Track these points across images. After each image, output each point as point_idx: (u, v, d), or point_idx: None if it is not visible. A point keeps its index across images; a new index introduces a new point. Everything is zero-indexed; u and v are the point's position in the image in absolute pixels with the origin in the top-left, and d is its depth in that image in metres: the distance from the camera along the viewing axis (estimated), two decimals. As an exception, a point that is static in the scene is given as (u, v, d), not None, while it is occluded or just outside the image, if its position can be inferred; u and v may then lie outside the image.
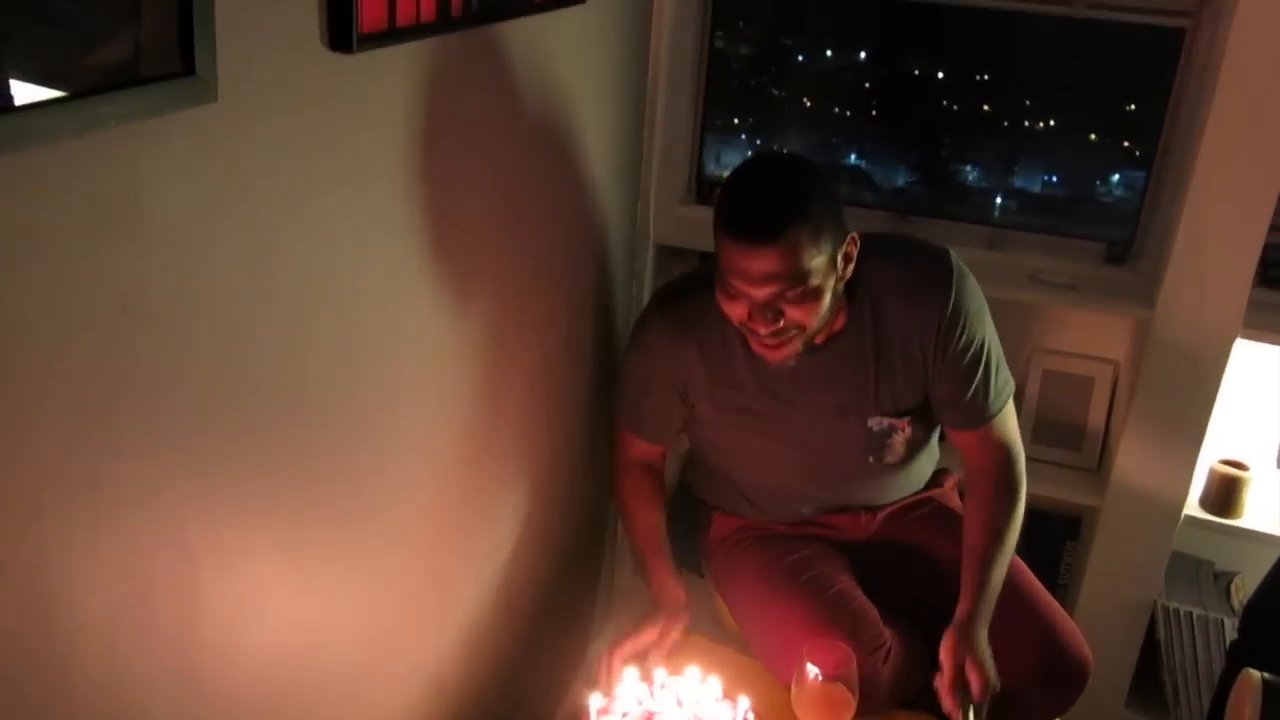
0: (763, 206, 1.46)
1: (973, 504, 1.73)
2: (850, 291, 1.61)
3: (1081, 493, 2.28)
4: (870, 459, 1.74)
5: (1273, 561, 1.91)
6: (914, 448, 1.77)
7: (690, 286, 1.72)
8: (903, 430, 1.71)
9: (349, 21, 1.10)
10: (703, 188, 2.42)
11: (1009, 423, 1.74)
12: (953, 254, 1.67)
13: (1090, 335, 2.31)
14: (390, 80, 1.22)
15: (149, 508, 0.97)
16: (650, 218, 2.24)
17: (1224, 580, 2.34)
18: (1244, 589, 2.31)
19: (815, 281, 1.48)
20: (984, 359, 1.66)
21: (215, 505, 1.06)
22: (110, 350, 0.89)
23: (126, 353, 0.90)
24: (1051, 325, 2.34)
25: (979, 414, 1.69)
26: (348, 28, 1.10)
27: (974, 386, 1.67)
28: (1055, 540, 2.38)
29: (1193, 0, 2.03)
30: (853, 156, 2.50)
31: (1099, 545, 2.25)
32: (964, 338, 1.64)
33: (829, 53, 2.43)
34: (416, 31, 1.23)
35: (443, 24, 1.28)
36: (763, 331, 1.52)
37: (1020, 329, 2.32)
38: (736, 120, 2.48)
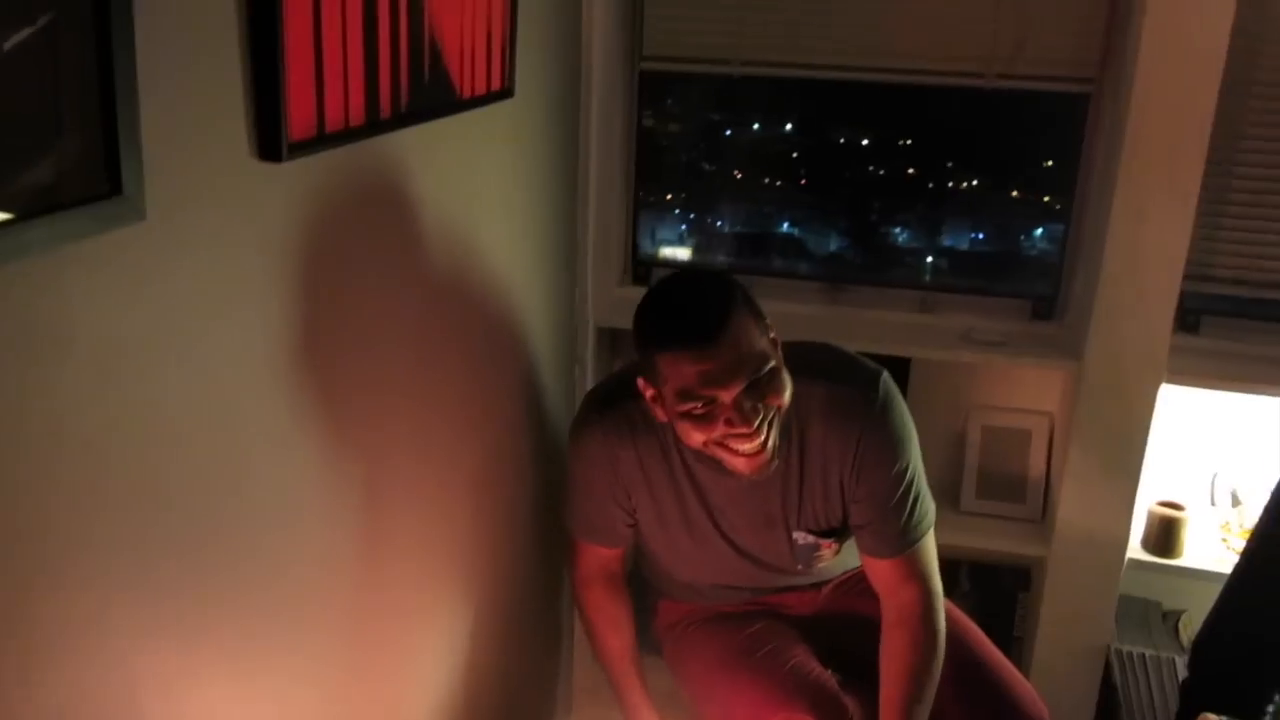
0: (699, 309, 1.46)
1: (889, 653, 1.65)
2: None
3: (1028, 544, 2.32)
4: (800, 566, 1.74)
5: (1214, 597, 1.94)
6: (844, 552, 1.77)
7: (622, 389, 1.67)
8: (827, 548, 1.71)
9: (278, 129, 1.10)
10: (639, 269, 2.46)
11: (927, 555, 1.69)
12: (882, 378, 1.64)
13: (1024, 389, 2.37)
14: (321, 187, 1.23)
15: (86, 640, 0.94)
16: (589, 301, 2.27)
17: (1171, 619, 2.38)
18: (1191, 625, 2.35)
19: (773, 361, 1.48)
20: (903, 487, 1.63)
21: (158, 632, 1.03)
22: (41, 476, 0.87)
23: (58, 479, 0.89)
24: (987, 382, 2.39)
25: (895, 543, 1.65)
26: (277, 136, 1.10)
27: (890, 514, 1.63)
28: (1007, 593, 2.41)
29: (1094, 67, 2.13)
30: (785, 225, 2.57)
31: (1049, 594, 2.28)
32: (883, 466, 1.61)
33: (756, 126, 2.50)
34: (346, 136, 1.25)
35: (372, 126, 1.30)
36: (746, 430, 1.47)
37: (957, 388, 2.38)
38: (669, 196, 2.53)
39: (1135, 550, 2.27)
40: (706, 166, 2.54)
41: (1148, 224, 2.04)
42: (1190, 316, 2.23)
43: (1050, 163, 2.34)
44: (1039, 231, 2.38)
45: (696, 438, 1.50)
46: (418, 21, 1.38)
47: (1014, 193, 2.40)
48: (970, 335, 2.25)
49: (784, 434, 1.56)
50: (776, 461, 1.54)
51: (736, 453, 1.51)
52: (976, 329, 2.27)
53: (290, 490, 1.24)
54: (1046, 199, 2.37)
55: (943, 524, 2.28)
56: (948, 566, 2.29)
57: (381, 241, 1.38)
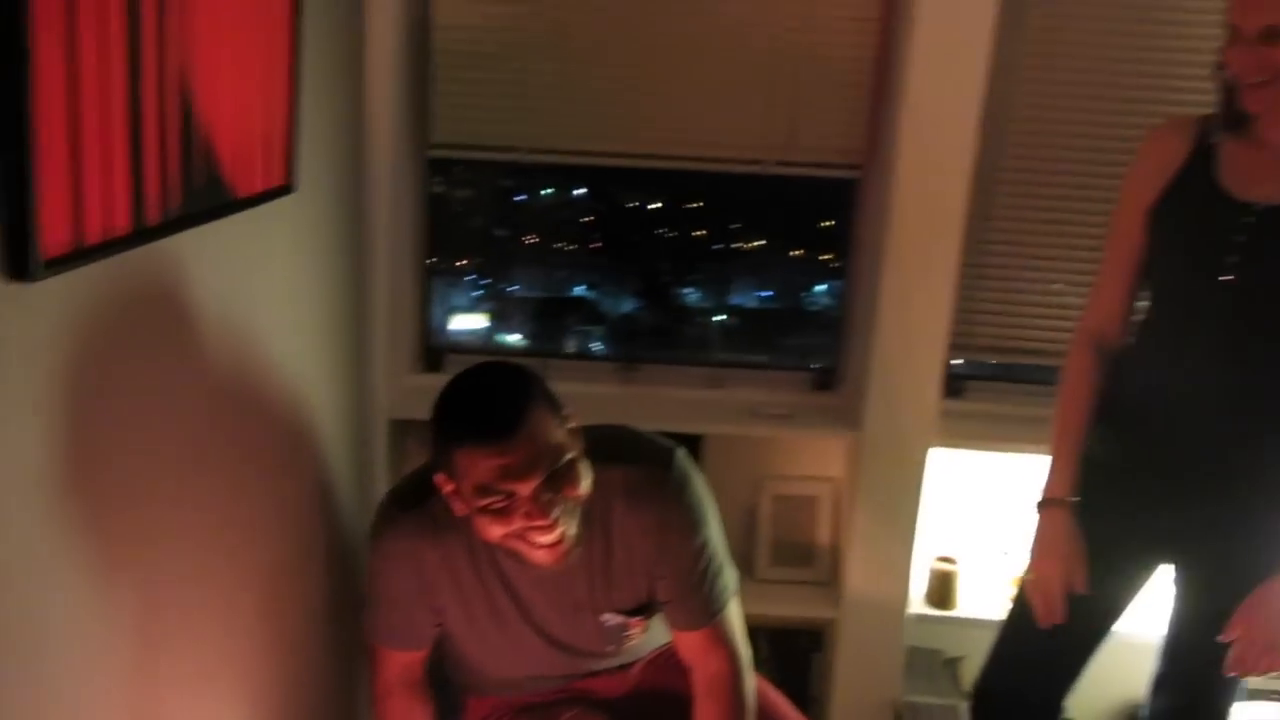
0: (496, 403, 1.46)
1: None
2: None
3: (819, 606, 2.41)
4: (610, 647, 1.75)
5: (989, 643, 2.06)
6: (653, 628, 1.79)
7: (421, 487, 1.63)
8: (636, 627, 1.73)
9: (25, 245, 1.01)
10: (431, 356, 2.43)
11: (733, 623, 1.71)
12: (677, 455, 1.67)
13: (810, 458, 2.48)
14: (83, 303, 1.15)
15: None
16: (380, 392, 2.21)
17: (952, 666, 2.52)
18: (970, 670, 2.49)
19: (570, 453, 1.48)
20: (704, 560, 1.66)
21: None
22: None
23: None
24: (775, 453, 2.48)
25: (700, 614, 1.67)
26: (24, 252, 1.01)
27: (694, 587, 1.66)
28: (802, 654, 2.49)
29: (861, 155, 2.28)
30: (580, 288, 2.60)
31: (841, 653, 2.38)
32: (684, 541, 1.65)
33: (547, 192, 2.53)
34: (109, 247, 1.17)
35: (139, 235, 1.23)
36: (544, 523, 1.46)
37: (748, 460, 2.46)
38: (462, 263, 2.51)
39: (918, 604, 2.40)
40: (499, 232, 2.54)
41: (914, 299, 2.19)
42: (956, 383, 2.39)
43: (830, 223, 2.47)
44: (821, 288, 2.51)
45: (495, 532, 1.49)
46: (188, 118, 1.32)
47: (795, 252, 2.52)
48: (758, 410, 2.34)
49: (586, 518, 1.57)
50: (578, 548, 1.55)
51: (535, 545, 1.50)
52: (763, 403, 2.36)
53: (53, 623, 1.15)
54: (825, 257, 2.50)
55: (740, 593, 2.35)
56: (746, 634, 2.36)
57: (156, 352, 1.31)
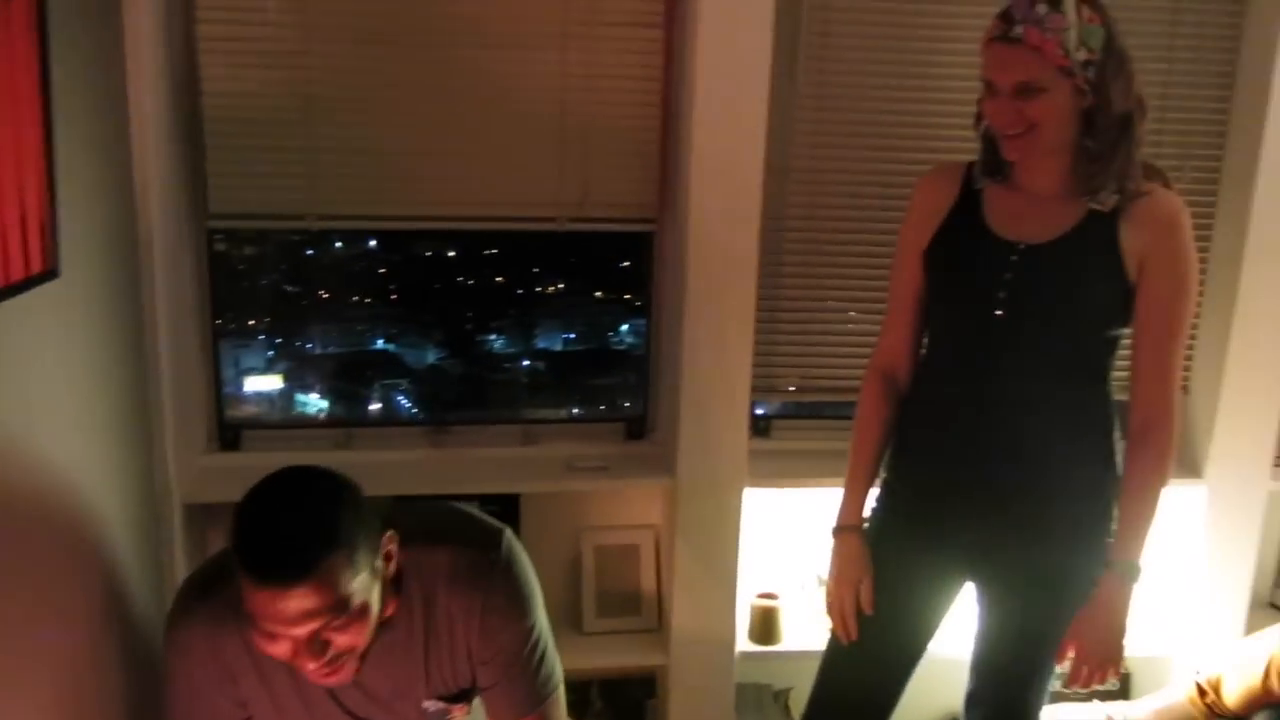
0: (285, 541, 1.35)
1: None
2: (400, 577, 1.55)
3: (649, 653, 2.42)
4: None
5: (814, 672, 2.11)
6: (475, 713, 1.74)
7: (221, 572, 1.53)
8: (459, 712, 1.69)
9: None
10: (227, 433, 2.31)
11: (557, 713, 1.68)
12: (505, 537, 1.63)
13: (629, 506, 2.49)
14: None
15: None
16: (172, 477, 2.07)
17: (782, 698, 2.57)
18: (799, 700, 2.54)
19: (359, 601, 1.40)
20: (529, 646, 1.63)
21: None
22: None
23: None
24: (594, 504, 2.48)
25: (524, 703, 1.64)
26: None
27: (518, 674, 1.63)
28: (636, 703, 2.49)
29: (654, 209, 2.32)
30: (380, 341, 2.53)
31: (674, 698, 2.39)
32: (509, 626, 1.61)
33: (338, 244, 2.44)
34: None
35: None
36: (311, 666, 1.41)
37: (566, 514, 2.45)
38: (252, 322, 2.40)
39: (743, 642, 2.44)
40: (290, 289, 2.44)
41: (716, 345, 2.24)
42: (761, 423, 2.46)
43: (629, 263, 2.48)
44: (624, 327, 2.53)
45: (270, 652, 1.41)
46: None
47: (598, 293, 2.53)
48: (573, 463, 2.34)
49: (408, 601, 1.53)
50: (399, 632, 1.51)
51: (310, 673, 1.44)
52: (578, 456, 2.36)
53: None
54: (628, 296, 2.51)
55: (569, 647, 2.31)
56: (579, 688, 2.34)
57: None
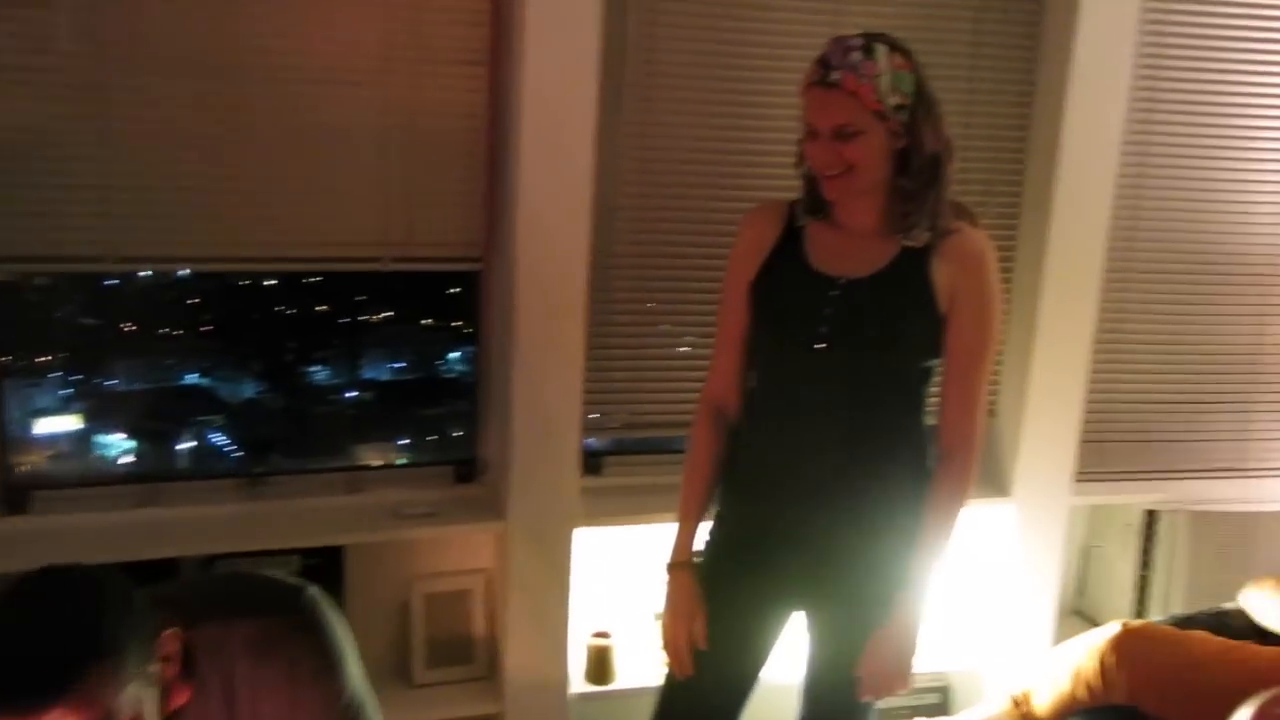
0: (32, 661, 1.18)
1: None
2: (194, 660, 1.42)
3: (483, 702, 2.36)
4: None
5: (649, 711, 2.10)
6: None
7: None
8: None
9: None
10: (13, 494, 2.11)
11: None
12: (306, 595, 1.52)
13: (459, 551, 2.43)
14: None
15: None
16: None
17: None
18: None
19: (127, 716, 1.24)
20: (341, 708, 1.52)
21: None
22: None
23: None
24: (423, 551, 2.40)
25: None
26: None
27: None
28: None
29: (480, 248, 2.28)
30: (192, 376, 2.38)
31: (512, 746, 2.33)
32: (318, 689, 1.50)
33: (143, 273, 2.27)
34: None
35: None
36: None
37: (394, 563, 2.36)
38: (46, 358, 2.21)
39: (579, 683, 2.40)
40: (88, 320, 2.26)
41: (546, 384, 2.21)
42: (593, 460, 2.44)
43: (459, 289, 2.42)
44: (454, 354, 2.45)
45: None
46: None
47: (426, 320, 2.46)
48: (400, 511, 2.26)
49: (203, 686, 1.41)
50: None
51: None
52: (406, 503, 2.28)
53: None
54: (456, 323, 2.43)
55: (398, 702, 2.24)
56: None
57: None
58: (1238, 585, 2.44)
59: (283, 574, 1.60)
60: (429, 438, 2.53)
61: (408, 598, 2.37)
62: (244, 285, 2.33)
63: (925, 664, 1.84)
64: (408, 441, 2.48)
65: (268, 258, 2.18)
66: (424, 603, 2.38)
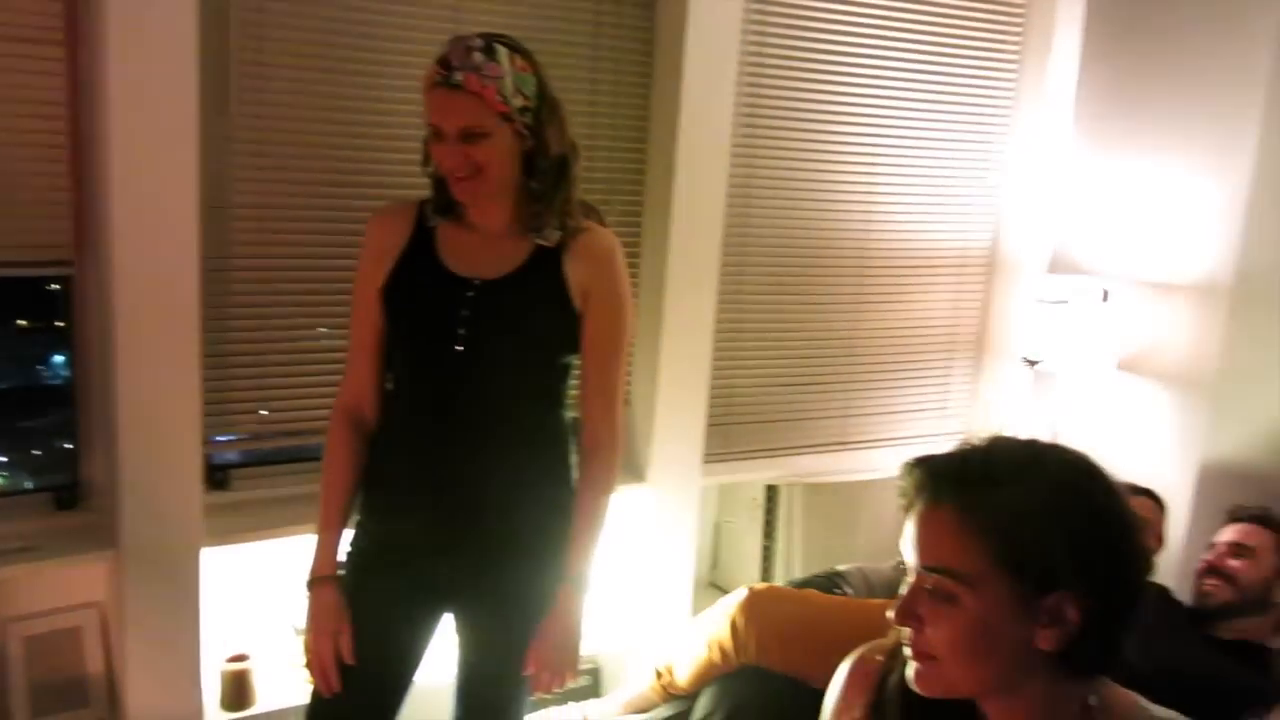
0: None
1: None
2: None
3: (102, 748, 2.14)
4: None
5: None
6: None
7: None
8: None
9: None
10: None
11: None
12: None
13: (65, 586, 2.20)
14: None
15: None
16: None
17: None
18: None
19: None
20: None
21: None
22: None
23: None
24: (20, 590, 2.16)
25: None
26: None
27: None
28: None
29: (70, 250, 2.06)
30: None
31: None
32: None
33: None
34: None
35: None
36: None
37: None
38: None
39: (216, 713, 2.27)
40: None
41: (158, 398, 2.05)
42: (218, 474, 2.28)
43: (58, 286, 2.15)
44: (58, 359, 2.19)
45: None
46: None
47: (20, 322, 2.17)
48: (-13, 547, 2.00)
49: None
50: None
51: None
52: (-6, 538, 2.02)
53: None
54: (59, 324, 2.16)
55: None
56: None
57: None
58: (847, 549, 2.72)
59: None
60: (33, 452, 2.23)
61: (3, 641, 2.11)
62: None
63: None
64: (5, 448, 2.17)
65: None
66: (24, 646, 2.13)
